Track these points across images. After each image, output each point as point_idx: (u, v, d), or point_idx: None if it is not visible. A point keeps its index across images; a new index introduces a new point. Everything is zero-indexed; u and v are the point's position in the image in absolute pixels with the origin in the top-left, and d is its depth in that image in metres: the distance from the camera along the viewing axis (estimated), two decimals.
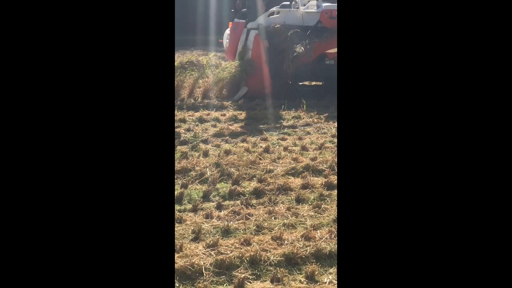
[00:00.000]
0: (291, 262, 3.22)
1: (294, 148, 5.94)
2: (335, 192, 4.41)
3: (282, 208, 4.11)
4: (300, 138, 6.43)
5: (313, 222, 3.82)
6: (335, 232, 3.55)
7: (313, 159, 5.36)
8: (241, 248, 3.34)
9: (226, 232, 3.64)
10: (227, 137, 6.38)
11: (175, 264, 3.07)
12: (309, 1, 9.38)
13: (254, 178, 4.79)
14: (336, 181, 4.59)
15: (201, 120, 7.32)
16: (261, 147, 5.91)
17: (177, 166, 5.03)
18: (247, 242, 3.43)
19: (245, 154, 5.56)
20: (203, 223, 3.77)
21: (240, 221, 3.84)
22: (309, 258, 3.25)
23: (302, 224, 3.83)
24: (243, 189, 4.52)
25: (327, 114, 7.61)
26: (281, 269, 3.09)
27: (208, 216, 3.91)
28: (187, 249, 3.31)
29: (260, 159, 5.36)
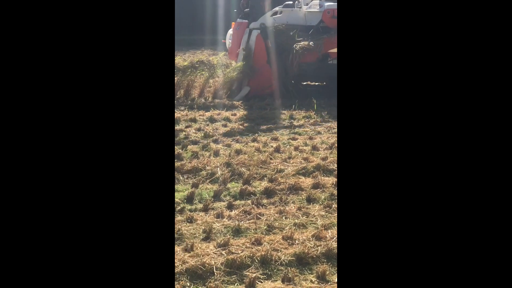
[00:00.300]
0: (302, 262, 3.21)
1: (304, 148, 5.93)
2: None
3: (293, 207, 4.11)
4: (310, 138, 6.43)
5: (324, 222, 3.82)
6: None
7: (323, 159, 5.36)
8: (252, 248, 3.34)
9: (237, 232, 3.65)
10: (238, 137, 6.38)
11: (186, 264, 3.08)
12: (312, 1, 9.36)
13: (265, 178, 4.79)
14: None
15: (212, 120, 7.34)
16: (271, 146, 5.92)
17: (188, 165, 5.04)
18: (258, 242, 3.43)
19: (256, 153, 5.56)
20: (214, 223, 3.77)
21: (251, 220, 3.84)
22: (320, 258, 3.24)
23: (313, 224, 3.82)
24: (254, 188, 4.52)
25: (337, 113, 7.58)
26: (292, 269, 3.09)
27: (219, 216, 3.92)
28: (198, 248, 3.32)
29: (271, 158, 5.36)
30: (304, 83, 9.67)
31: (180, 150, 5.64)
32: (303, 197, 4.37)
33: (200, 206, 4.15)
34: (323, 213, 4.01)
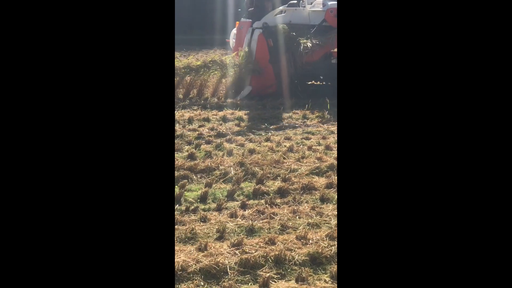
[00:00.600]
0: (316, 262, 3.21)
1: (318, 147, 5.92)
2: None
3: (307, 207, 4.10)
4: (324, 138, 6.41)
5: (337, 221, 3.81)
6: None
7: (337, 159, 5.34)
8: (265, 248, 3.34)
9: (251, 231, 3.65)
10: (251, 136, 6.38)
11: (200, 263, 3.09)
12: (315, 0, 9.33)
13: (278, 178, 4.79)
14: None
15: (225, 119, 7.35)
16: (285, 146, 5.91)
17: (201, 165, 5.05)
18: (271, 242, 3.43)
19: (269, 153, 5.56)
20: (228, 222, 3.78)
21: (265, 220, 3.84)
22: (334, 258, 3.23)
23: (326, 223, 3.81)
24: (267, 188, 4.52)
25: None
26: (306, 269, 3.08)
27: (233, 215, 3.92)
28: (212, 248, 3.32)
29: (284, 158, 5.36)
30: (309, 83, 9.64)
31: (194, 150, 5.65)
32: (316, 196, 4.36)
33: (213, 205, 4.16)
34: (336, 212, 4.00)
